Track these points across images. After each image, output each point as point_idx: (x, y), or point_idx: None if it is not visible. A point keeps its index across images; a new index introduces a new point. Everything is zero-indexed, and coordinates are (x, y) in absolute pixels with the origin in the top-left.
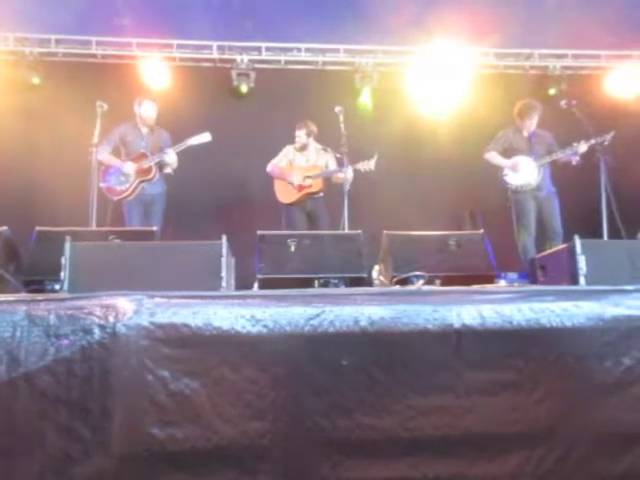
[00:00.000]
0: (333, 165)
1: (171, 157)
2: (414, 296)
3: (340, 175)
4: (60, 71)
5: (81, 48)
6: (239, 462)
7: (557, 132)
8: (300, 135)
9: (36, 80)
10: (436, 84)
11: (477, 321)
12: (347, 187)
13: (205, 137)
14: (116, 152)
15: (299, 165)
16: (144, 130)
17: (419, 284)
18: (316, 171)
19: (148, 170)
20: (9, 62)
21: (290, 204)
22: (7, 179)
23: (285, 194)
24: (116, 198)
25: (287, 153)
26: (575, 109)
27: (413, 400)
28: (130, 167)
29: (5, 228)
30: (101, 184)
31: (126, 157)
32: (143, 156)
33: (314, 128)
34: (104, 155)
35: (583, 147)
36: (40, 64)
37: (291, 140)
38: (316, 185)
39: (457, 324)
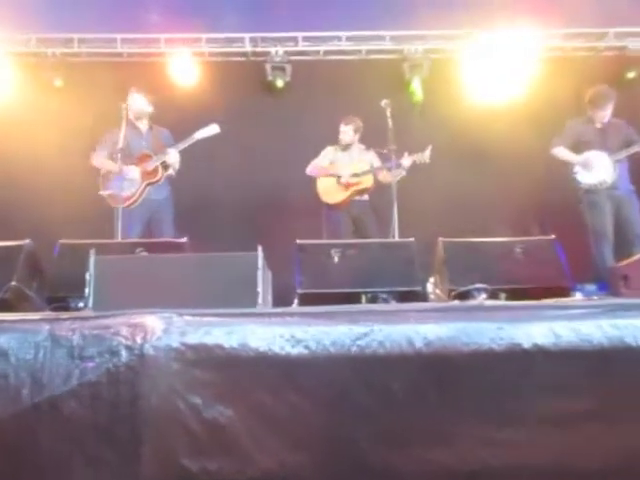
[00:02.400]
0: (377, 164)
1: (173, 157)
2: (476, 312)
3: (392, 171)
4: (84, 72)
5: (105, 47)
6: None
7: (636, 122)
8: (347, 131)
9: (58, 82)
10: (495, 72)
11: (550, 340)
12: (396, 181)
13: (213, 129)
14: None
15: (343, 164)
16: (142, 128)
17: (481, 298)
18: (364, 168)
19: (154, 172)
20: (30, 64)
21: (335, 206)
22: (28, 188)
23: (330, 193)
24: (122, 206)
25: (328, 153)
26: None
27: (474, 430)
28: (134, 170)
29: (28, 241)
30: (102, 192)
31: (124, 160)
32: (147, 157)
33: (361, 125)
34: (100, 160)
35: None
36: (62, 65)
37: (332, 139)
38: (365, 182)
39: (526, 344)
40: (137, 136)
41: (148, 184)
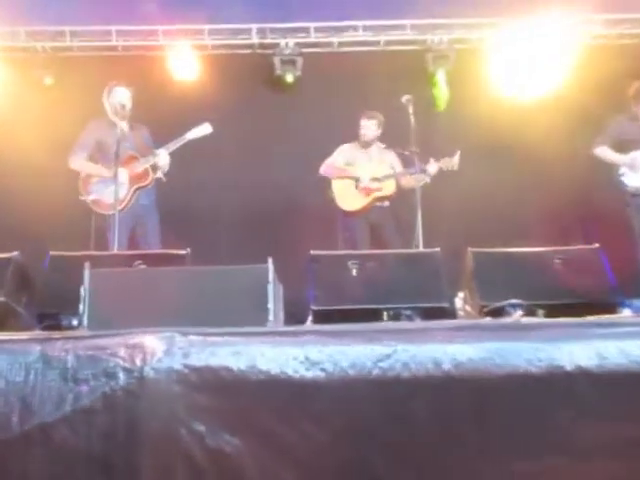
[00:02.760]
0: (398, 167)
1: (163, 158)
2: (511, 331)
3: (419, 176)
4: (76, 68)
5: (99, 40)
6: None
7: None
8: (369, 126)
9: (49, 80)
10: (528, 63)
11: (595, 362)
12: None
13: (205, 129)
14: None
15: (361, 164)
16: (123, 127)
17: (517, 315)
18: (385, 171)
19: (144, 175)
20: (18, 60)
21: (352, 213)
22: (15, 194)
23: (348, 198)
24: (110, 212)
25: (343, 151)
26: None
27: (511, 463)
28: (122, 173)
29: (16, 254)
30: (85, 197)
31: (104, 162)
32: (133, 158)
33: (383, 120)
34: (81, 163)
35: None
36: (53, 62)
37: (347, 139)
38: (387, 188)
39: (569, 366)
40: (116, 135)
41: (137, 188)
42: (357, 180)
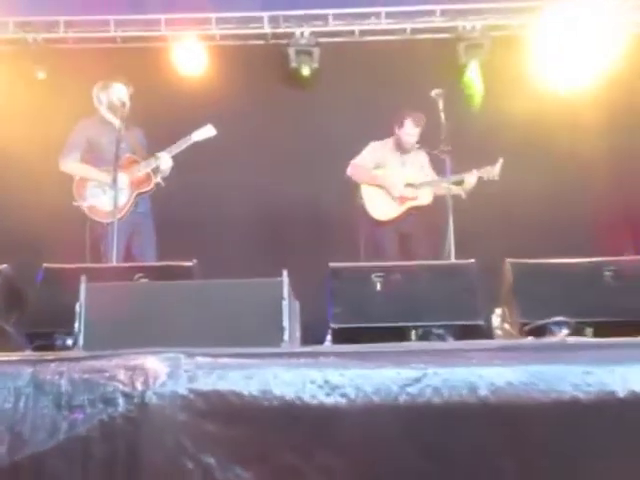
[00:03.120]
0: (429, 170)
1: (166, 162)
2: (556, 352)
3: (455, 188)
4: (71, 62)
5: (96, 31)
6: None
7: None
8: (414, 134)
9: (41, 74)
10: (573, 53)
11: None
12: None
13: (208, 131)
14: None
15: (394, 168)
16: (119, 127)
17: (562, 335)
18: (421, 177)
19: (146, 180)
20: (7, 53)
21: (382, 222)
22: (6, 200)
23: (380, 207)
24: (108, 220)
25: (374, 150)
26: None
27: None
28: (123, 178)
29: (5, 266)
30: (80, 203)
31: (97, 165)
32: (133, 162)
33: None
34: (74, 165)
35: None
36: (46, 54)
37: (370, 138)
38: (424, 197)
39: (622, 392)
40: (112, 135)
41: (138, 194)
42: (389, 188)
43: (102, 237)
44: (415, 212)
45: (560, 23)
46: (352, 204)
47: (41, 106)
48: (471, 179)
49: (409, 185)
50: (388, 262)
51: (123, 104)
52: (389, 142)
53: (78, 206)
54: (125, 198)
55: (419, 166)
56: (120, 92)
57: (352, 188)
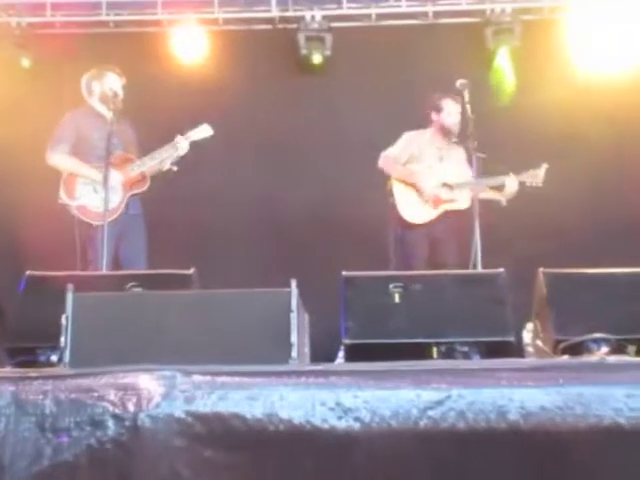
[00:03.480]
0: (466, 166)
1: (183, 146)
2: (594, 372)
3: (501, 189)
4: (58, 48)
5: (87, 14)
6: None
7: None
8: (455, 113)
9: (26, 62)
10: (614, 39)
11: None
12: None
13: (204, 131)
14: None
15: (430, 164)
16: (110, 120)
17: (601, 353)
18: (460, 176)
19: (142, 180)
20: None
21: (412, 225)
22: None
23: (413, 209)
24: (97, 223)
25: (410, 142)
26: None
27: None
28: (116, 176)
29: None
30: (69, 202)
31: (87, 162)
32: (126, 160)
33: None
34: (63, 158)
35: None
36: (31, 39)
37: (389, 131)
38: (462, 201)
39: None
40: (103, 129)
41: (132, 195)
42: (422, 187)
43: (90, 241)
44: (451, 216)
45: (594, 6)
46: (370, 203)
47: (25, 96)
48: (513, 184)
49: (445, 185)
50: (414, 270)
51: (116, 95)
52: (426, 133)
53: (65, 205)
54: (118, 199)
55: (457, 163)
56: (114, 82)
57: (384, 181)
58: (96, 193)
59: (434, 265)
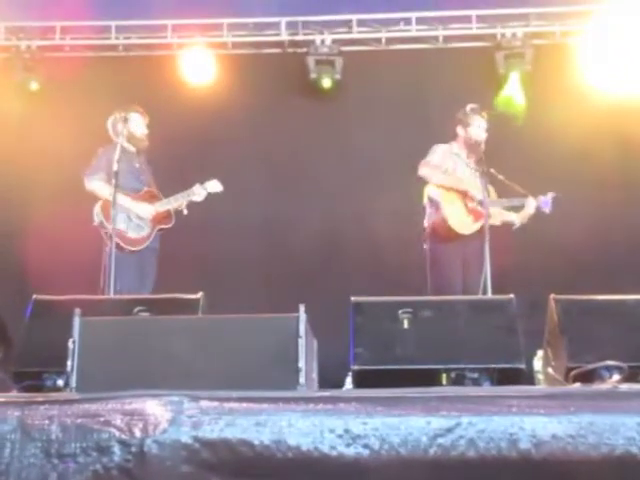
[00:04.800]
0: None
1: (202, 194)
2: (607, 401)
3: (519, 210)
4: (67, 71)
5: (96, 37)
6: None
7: None
8: (483, 128)
9: (34, 85)
10: (623, 61)
11: None
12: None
13: (216, 186)
14: None
15: (466, 177)
16: (137, 156)
17: (614, 381)
18: (491, 193)
19: (168, 216)
20: None
21: (448, 239)
22: None
23: (462, 219)
24: (130, 249)
25: (445, 155)
26: None
27: None
28: (147, 210)
29: None
30: (106, 224)
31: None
32: (153, 196)
33: None
34: (101, 185)
35: None
36: (40, 63)
37: (397, 156)
38: (495, 217)
39: None
40: (132, 165)
41: (160, 230)
42: (474, 196)
43: (116, 264)
44: (483, 234)
45: (609, 30)
46: (380, 227)
47: (33, 119)
48: (531, 206)
49: (480, 202)
50: (451, 288)
51: (145, 136)
52: (454, 147)
53: (99, 227)
54: (147, 231)
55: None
56: (139, 123)
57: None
58: (130, 221)
59: (462, 291)
